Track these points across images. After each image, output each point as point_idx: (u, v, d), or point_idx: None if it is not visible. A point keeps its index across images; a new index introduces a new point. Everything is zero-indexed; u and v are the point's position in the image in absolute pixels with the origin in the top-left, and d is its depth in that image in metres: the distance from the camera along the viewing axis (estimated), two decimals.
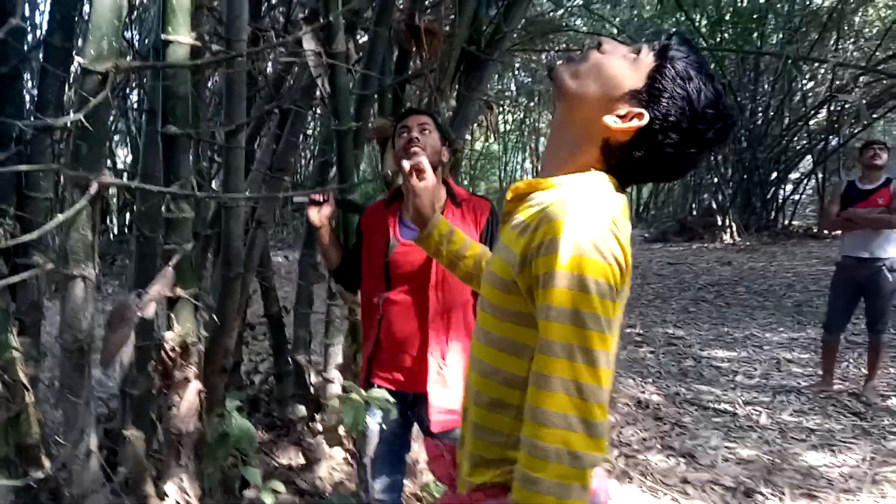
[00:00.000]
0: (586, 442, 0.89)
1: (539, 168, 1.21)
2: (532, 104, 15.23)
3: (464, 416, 1.21)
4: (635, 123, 1.02)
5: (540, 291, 0.98)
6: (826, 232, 10.54)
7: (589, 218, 0.96)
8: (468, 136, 3.02)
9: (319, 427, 3.07)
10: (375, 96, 2.86)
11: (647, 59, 1.04)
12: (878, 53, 10.40)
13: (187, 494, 1.99)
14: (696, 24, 10.86)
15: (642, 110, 1.02)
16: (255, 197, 2.55)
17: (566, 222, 0.95)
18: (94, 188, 1.66)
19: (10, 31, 1.91)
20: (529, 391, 0.95)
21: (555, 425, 0.89)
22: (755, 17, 10.77)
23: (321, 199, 2.00)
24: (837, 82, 11.18)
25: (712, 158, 12.38)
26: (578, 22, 11.07)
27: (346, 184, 2.26)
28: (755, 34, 11.19)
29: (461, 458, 1.19)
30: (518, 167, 18.66)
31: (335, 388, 2.89)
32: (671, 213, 15.60)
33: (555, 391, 0.90)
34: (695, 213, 13.16)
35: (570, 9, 10.29)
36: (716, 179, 12.62)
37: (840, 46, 11.51)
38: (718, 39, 11.14)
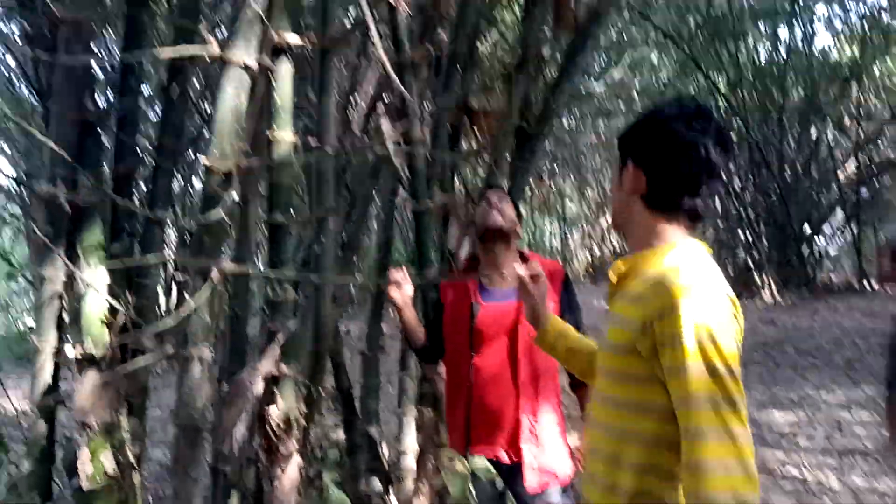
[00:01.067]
0: (747, 483, 0.97)
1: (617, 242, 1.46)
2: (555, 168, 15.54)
3: (590, 480, 1.28)
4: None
5: (668, 351, 1.08)
6: (882, 285, 10.46)
7: (698, 279, 1.10)
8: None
9: (395, 501, 3.10)
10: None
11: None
12: None
13: None
14: (716, 83, 11.12)
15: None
16: (353, 280, 2.69)
17: (681, 287, 1.09)
18: (215, 274, 1.81)
19: (128, 134, 2.12)
20: (684, 447, 1.03)
21: (717, 474, 0.97)
22: (775, 75, 11.00)
23: (400, 280, 2.10)
24: (863, 134, 11.27)
25: (744, 215, 12.40)
26: (599, 88, 11.44)
27: (427, 262, 2.38)
28: (776, 91, 11.41)
29: None
30: (546, 232, 18.81)
31: (410, 461, 2.94)
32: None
33: (709, 442, 0.98)
34: (730, 271, 13.09)
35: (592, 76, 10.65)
36: (749, 237, 12.60)
37: (863, 99, 11.65)
38: (739, 98, 11.36)
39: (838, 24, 11.83)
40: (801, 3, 10.94)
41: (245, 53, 1.71)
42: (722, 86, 11.29)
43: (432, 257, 2.46)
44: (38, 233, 1.91)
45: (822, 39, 12.78)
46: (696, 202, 1.20)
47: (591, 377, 1.45)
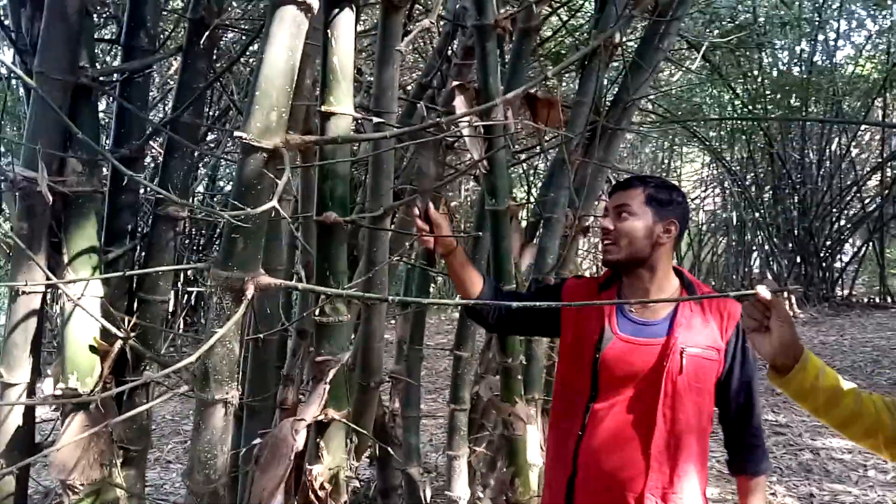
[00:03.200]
0: None
1: None
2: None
3: None
4: None
5: None
6: None
7: None
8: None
9: None
10: None
11: None
12: None
13: None
14: (738, 94, 10.77)
15: None
16: (419, 301, 2.21)
17: None
18: (250, 291, 1.33)
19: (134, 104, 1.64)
20: None
21: None
22: (800, 86, 10.68)
23: (425, 214, 1.55)
24: (888, 150, 10.92)
25: (764, 228, 12.04)
26: None
27: (503, 276, 1.91)
28: (798, 103, 11.07)
29: None
30: None
31: None
32: (715, 286, 15.09)
33: None
34: (743, 283, 12.69)
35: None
36: (767, 247, 12.23)
37: (888, 114, 11.32)
38: (761, 109, 11.01)
39: (860, 38, 11.54)
40: (822, 17, 10.63)
41: None
42: (744, 97, 10.94)
43: (510, 270, 1.98)
44: (11, 233, 1.42)
45: (845, 52, 12.41)
46: None
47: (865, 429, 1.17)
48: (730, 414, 1.56)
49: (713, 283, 15.88)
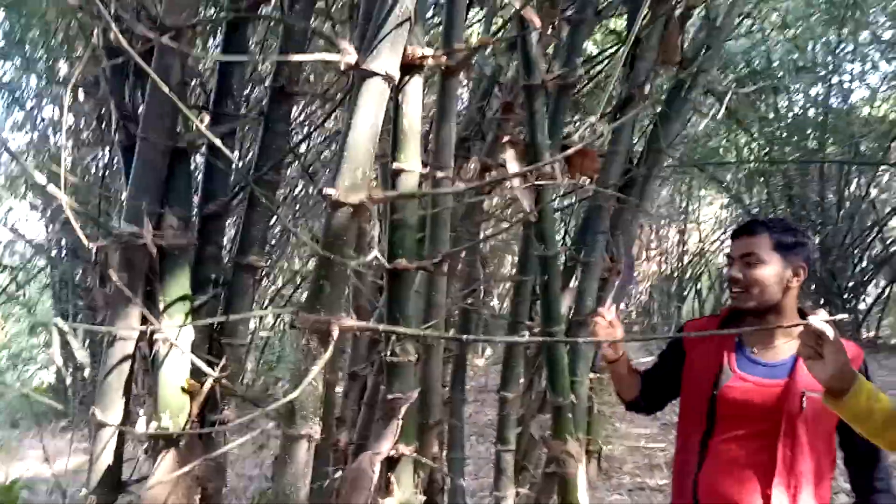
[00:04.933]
0: None
1: None
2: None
3: None
4: None
5: None
6: None
7: None
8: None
9: None
10: None
11: None
12: None
13: None
14: (754, 137, 10.92)
15: None
16: (491, 339, 2.32)
17: None
18: (335, 332, 1.45)
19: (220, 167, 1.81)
20: None
21: None
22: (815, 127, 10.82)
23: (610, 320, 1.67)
24: None
25: None
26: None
27: (553, 319, 2.02)
28: (814, 145, 11.19)
29: None
30: None
31: None
32: None
33: None
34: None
35: None
36: None
37: None
38: (778, 151, 11.14)
39: (875, 80, 11.71)
40: (836, 60, 10.84)
41: (389, 63, 1.40)
42: (761, 140, 11.09)
43: (560, 313, 2.09)
44: (117, 280, 1.56)
45: (860, 94, 12.57)
46: None
47: None
48: (855, 456, 1.58)
49: None
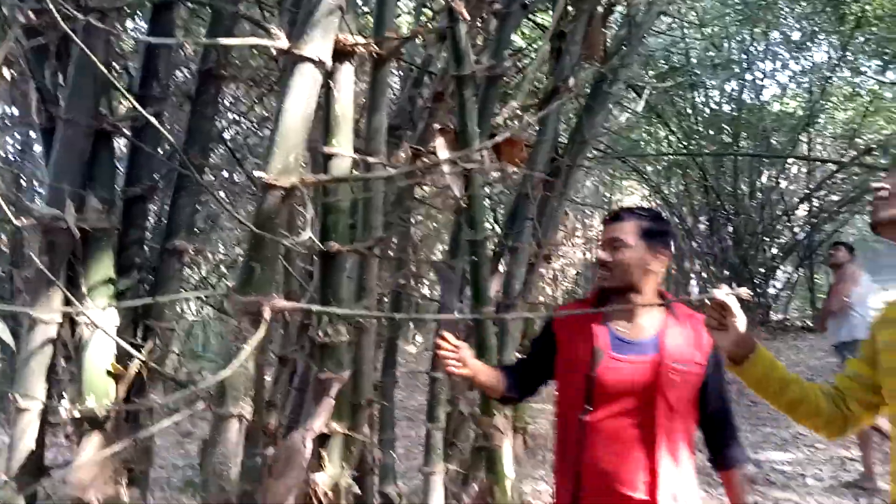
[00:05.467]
0: None
1: None
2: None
3: None
4: None
5: None
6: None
7: None
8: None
9: None
10: None
11: None
12: (847, 151, 11.02)
13: None
14: (674, 131, 11.40)
15: None
16: (422, 318, 2.36)
17: None
18: (267, 314, 1.48)
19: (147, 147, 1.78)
20: None
21: None
22: (730, 121, 11.40)
23: (454, 346, 1.67)
24: (812, 184, 11.75)
25: (700, 257, 12.65)
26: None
27: (483, 299, 2.10)
28: (729, 139, 11.80)
29: None
30: None
31: None
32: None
33: None
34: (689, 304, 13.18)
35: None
36: (705, 274, 12.83)
37: (812, 148, 12.17)
38: (695, 145, 11.67)
39: (785, 78, 12.43)
40: (749, 58, 11.44)
41: (321, 48, 1.42)
42: (679, 133, 11.59)
43: (489, 295, 2.17)
44: (39, 264, 1.53)
45: (771, 91, 13.30)
46: None
47: (808, 412, 1.47)
48: (711, 417, 1.71)
49: None
